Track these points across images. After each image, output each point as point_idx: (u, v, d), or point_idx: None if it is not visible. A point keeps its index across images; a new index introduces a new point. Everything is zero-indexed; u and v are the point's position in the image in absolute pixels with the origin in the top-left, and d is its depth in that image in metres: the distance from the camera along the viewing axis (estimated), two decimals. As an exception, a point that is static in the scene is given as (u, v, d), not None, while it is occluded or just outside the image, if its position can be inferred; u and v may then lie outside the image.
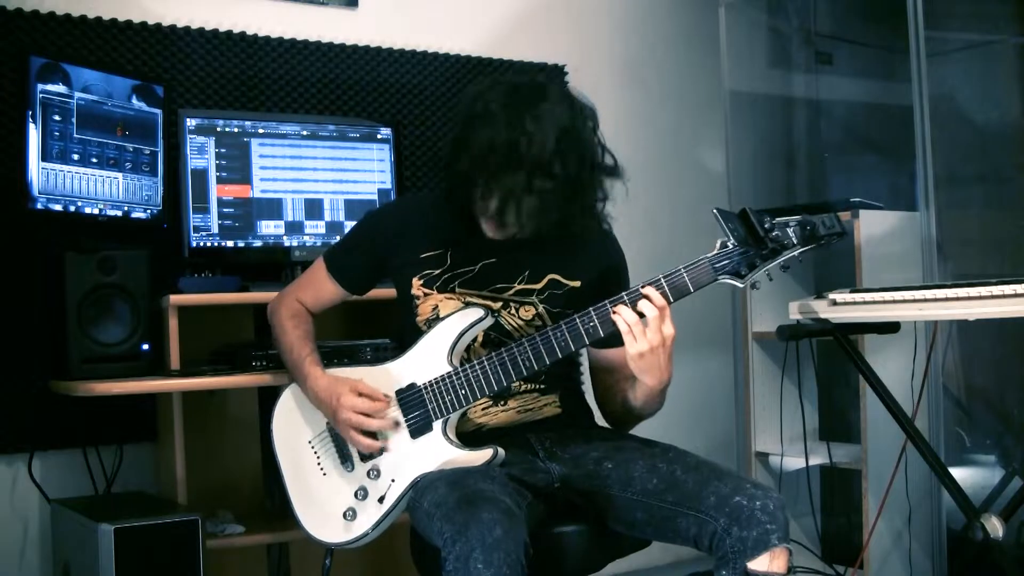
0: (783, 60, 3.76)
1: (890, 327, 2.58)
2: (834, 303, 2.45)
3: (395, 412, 2.01)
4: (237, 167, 2.68)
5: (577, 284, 2.06)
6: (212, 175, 2.65)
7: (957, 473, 2.61)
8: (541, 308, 2.04)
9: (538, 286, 2.04)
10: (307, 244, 2.75)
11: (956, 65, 3.34)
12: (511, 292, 2.04)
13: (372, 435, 1.99)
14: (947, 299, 2.23)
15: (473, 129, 1.90)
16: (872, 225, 2.89)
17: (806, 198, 3.69)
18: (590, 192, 1.94)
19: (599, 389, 2.14)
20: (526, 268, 2.04)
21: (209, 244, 2.64)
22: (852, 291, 2.46)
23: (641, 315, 1.83)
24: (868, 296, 2.39)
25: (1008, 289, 2.11)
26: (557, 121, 1.86)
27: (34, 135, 2.28)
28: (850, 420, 3.21)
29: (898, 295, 2.33)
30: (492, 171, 1.87)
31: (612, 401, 2.09)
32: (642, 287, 1.85)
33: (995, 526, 2.21)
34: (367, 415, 1.97)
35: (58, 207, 2.34)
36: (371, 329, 2.72)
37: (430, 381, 1.99)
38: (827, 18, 3.74)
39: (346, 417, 1.97)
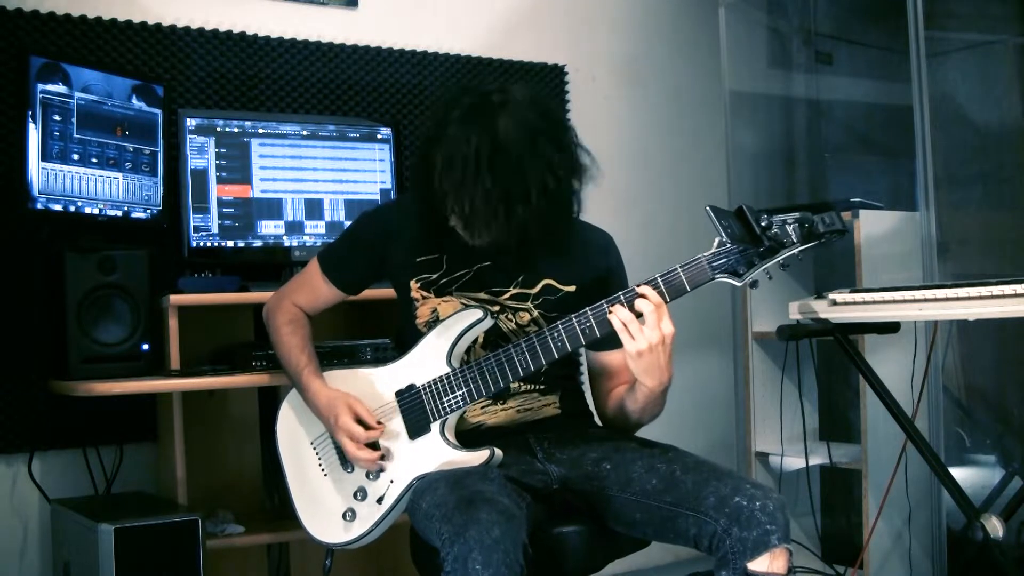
0: (783, 60, 3.76)
1: (890, 327, 2.58)
2: (834, 303, 2.45)
3: (394, 419, 2.01)
4: (237, 167, 2.68)
5: (572, 289, 2.05)
6: (212, 175, 2.65)
7: (957, 473, 2.60)
8: (536, 313, 2.04)
9: (533, 291, 2.04)
10: (307, 244, 2.75)
11: (956, 65, 3.34)
12: (507, 296, 2.04)
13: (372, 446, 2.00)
14: (947, 299, 2.22)
15: (430, 147, 1.90)
16: (872, 225, 2.89)
17: (806, 198, 3.69)
18: (551, 200, 1.87)
19: (597, 394, 2.14)
20: (521, 273, 2.04)
21: (209, 244, 2.64)
22: (852, 291, 2.46)
23: (638, 314, 1.82)
24: (868, 296, 2.39)
25: (1008, 289, 2.11)
26: (503, 134, 1.82)
27: (34, 135, 2.28)
28: (850, 420, 3.21)
29: (898, 295, 2.33)
30: (449, 186, 1.85)
31: (610, 406, 2.08)
32: (638, 286, 1.84)
33: (995, 526, 2.21)
34: (365, 442, 1.98)
35: (58, 207, 2.34)
36: (371, 329, 2.72)
37: (428, 382, 1.99)
38: (827, 18, 3.73)
39: (343, 442, 1.99)
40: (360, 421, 1.98)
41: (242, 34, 2.95)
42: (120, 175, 2.48)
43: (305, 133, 2.77)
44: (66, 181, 2.35)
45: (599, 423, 2.15)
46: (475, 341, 2.02)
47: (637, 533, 1.91)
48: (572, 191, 1.95)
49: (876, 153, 3.67)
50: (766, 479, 3.20)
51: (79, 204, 2.39)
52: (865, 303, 2.39)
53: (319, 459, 2.08)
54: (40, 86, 2.29)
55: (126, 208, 2.50)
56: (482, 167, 1.81)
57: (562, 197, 1.91)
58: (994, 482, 3.07)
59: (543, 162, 1.84)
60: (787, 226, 1.82)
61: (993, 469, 3.20)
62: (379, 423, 2.00)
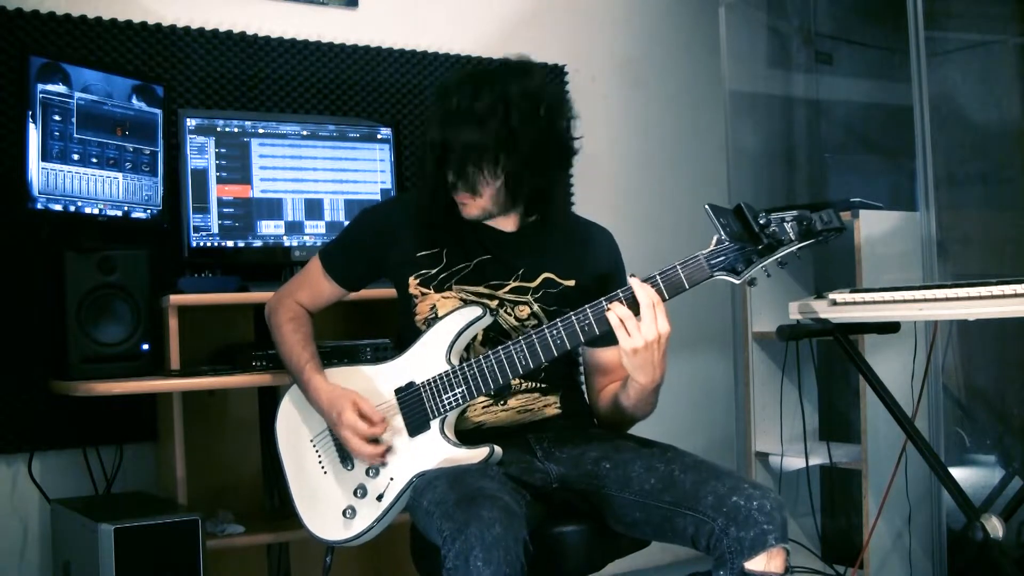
0: (783, 60, 3.76)
1: (890, 327, 2.58)
2: (834, 303, 2.45)
3: (394, 416, 2.02)
4: (237, 167, 2.68)
5: (571, 283, 2.06)
6: (212, 175, 2.65)
7: (957, 473, 2.60)
8: (536, 307, 2.05)
9: (532, 284, 2.05)
10: (307, 244, 2.75)
11: (956, 65, 3.34)
12: (506, 289, 2.04)
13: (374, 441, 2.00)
14: (947, 299, 2.22)
15: (435, 109, 1.98)
16: (872, 225, 2.89)
17: (806, 198, 3.69)
18: (545, 165, 1.97)
19: (592, 391, 2.15)
20: (521, 267, 2.05)
21: (209, 244, 2.64)
22: (852, 291, 2.46)
23: (636, 312, 1.83)
24: (868, 296, 2.39)
25: (1008, 289, 2.11)
26: (507, 94, 1.91)
27: (34, 135, 2.28)
28: (850, 420, 3.21)
29: (898, 295, 2.32)
30: (447, 137, 1.92)
31: (604, 403, 2.09)
32: (637, 283, 1.85)
33: (995, 526, 2.21)
34: (368, 438, 1.98)
35: (58, 207, 2.34)
36: (371, 329, 2.73)
37: (428, 380, 1.99)
38: (827, 18, 3.73)
39: (346, 438, 1.99)
40: (363, 417, 1.99)
41: (242, 34, 2.95)
42: (120, 175, 2.48)
43: (305, 133, 2.77)
44: (66, 181, 2.36)
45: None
46: (475, 338, 2.03)
47: (636, 533, 1.91)
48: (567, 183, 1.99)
49: (876, 153, 3.67)
50: (766, 479, 3.19)
51: (79, 204, 2.39)
52: (865, 303, 2.39)
53: (319, 456, 2.09)
54: (40, 86, 2.29)
55: (126, 208, 2.50)
56: (487, 121, 1.89)
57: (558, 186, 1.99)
58: (994, 482, 3.07)
59: (550, 151, 1.95)
60: (785, 224, 1.82)
61: (993, 469, 3.19)
62: (382, 419, 2.00)
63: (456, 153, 1.93)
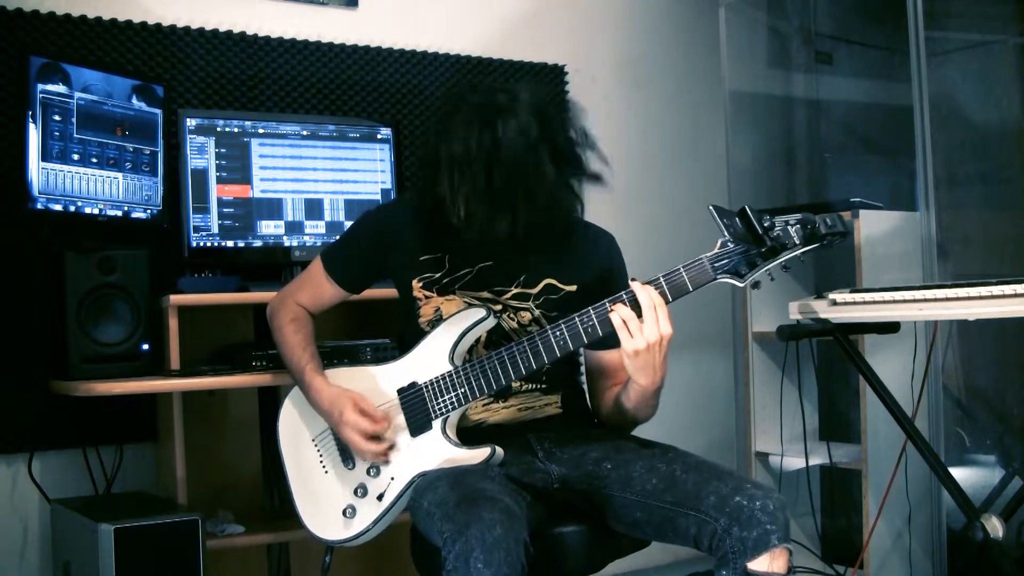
0: (783, 60, 3.76)
1: (890, 327, 2.58)
2: (834, 303, 2.45)
3: (396, 416, 2.02)
4: (237, 167, 2.68)
5: (573, 288, 2.06)
6: (212, 175, 2.65)
7: (957, 473, 2.60)
8: (538, 312, 2.05)
9: (534, 290, 2.05)
10: (307, 244, 2.75)
11: (956, 65, 3.34)
12: (508, 295, 2.05)
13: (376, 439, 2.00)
14: (947, 299, 2.22)
15: (433, 145, 1.95)
16: (872, 225, 2.90)
17: (806, 198, 3.69)
18: (550, 195, 1.92)
19: (594, 393, 2.15)
20: (523, 272, 2.05)
21: (209, 244, 2.64)
22: (852, 291, 2.46)
23: (639, 314, 1.83)
24: (868, 296, 2.39)
25: (1008, 289, 2.11)
26: (503, 136, 1.87)
27: (34, 135, 2.28)
28: (850, 420, 3.21)
29: (898, 295, 2.33)
30: (448, 186, 1.90)
31: (606, 405, 2.09)
32: (640, 286, 1.85)
33: (995, 526, 2.21)
34: (371, 435, 1.98)
35: (58, 207, 2.34)
36: (371, 329, 2.73)
37: (430, 380, 1.99)
38: (827, 18, 3.74)
39: (349, 436, 1.99)
40: (364, 415, 1.99)
41: (242, 34, 2.95)
42: (120, 175, 2.48)
43: (305, 133, 2.77)
44: (66, 181, 2.35)
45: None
46: (478, 340, 2.03)
47: (637, 533, 1.91)
48: (571, 194, 1.97)
49: (876, 153, 3.67)
50: (766, 479, 3.20)
51: (79, 204, 2.38)
52: (865, 303, 2.39)
53: (320, 456, 2.09)
54: (40, 86, 2.29)
55: (126, 208, 2.49)
56: (480, 169, 1.85)
57: (557, 200, 1.93)
58: (994, 482, 3.07)
59: (540, 166, 1.88)
60: (789, 227, 1.83)
61: (993, 469, 3.20)
62: (384, 416, 2.00)
63: (457, 203, 1.91)
